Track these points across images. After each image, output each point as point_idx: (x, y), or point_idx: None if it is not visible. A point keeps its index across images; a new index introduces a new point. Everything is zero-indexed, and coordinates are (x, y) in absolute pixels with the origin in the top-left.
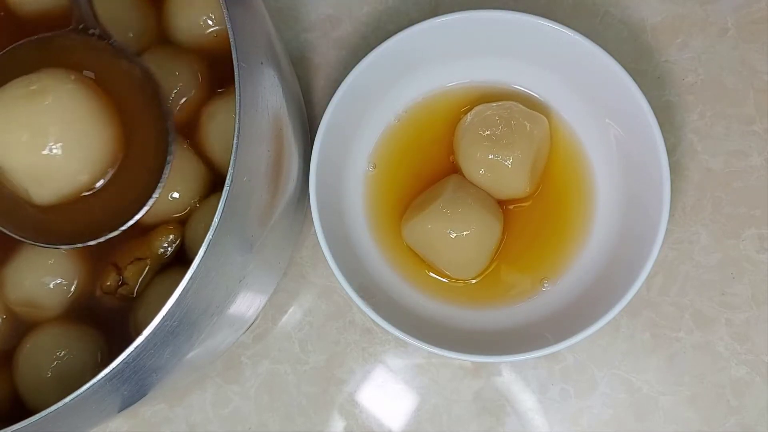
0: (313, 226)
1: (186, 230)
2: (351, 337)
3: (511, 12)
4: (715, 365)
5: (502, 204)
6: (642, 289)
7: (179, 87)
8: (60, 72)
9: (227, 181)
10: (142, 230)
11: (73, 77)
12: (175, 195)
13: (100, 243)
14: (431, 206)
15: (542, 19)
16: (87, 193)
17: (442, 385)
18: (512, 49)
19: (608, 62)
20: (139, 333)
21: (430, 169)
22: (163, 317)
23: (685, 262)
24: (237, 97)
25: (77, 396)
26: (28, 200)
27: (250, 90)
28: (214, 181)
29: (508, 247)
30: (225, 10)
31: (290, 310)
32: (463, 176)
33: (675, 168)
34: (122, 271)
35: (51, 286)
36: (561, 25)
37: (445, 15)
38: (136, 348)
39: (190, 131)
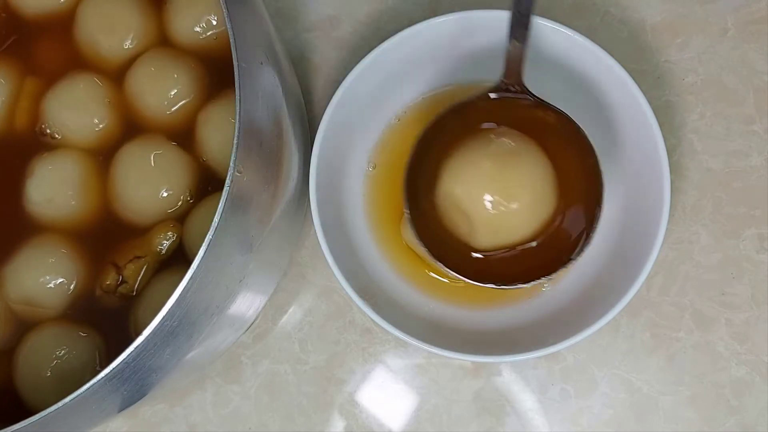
0: (313, 226)
1: (185, 229)
2: (351, 337)
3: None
4: (715, 365)
5: None
6: (642, 289)
7: (178, 89)
8: (521, 134)
9: (227, 181)
10: (140, 230)
11: (532, 140)
12: (165, 194)
13: (97, 242)
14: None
15: (542, 19)
16: (523, 247)
17: (442, 385)
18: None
19: (608, 62)
20: (138, 333)
21: None
22: (163, 317)
23: (685, 262)
24: (237, 97)
25: (77, 396)
26: (468, 244)
27: (250, 90)
28: (211, 179)
29: None
30: (225, 10)
31: (290, 310)
32: None
33: (675, 168)
34: (121, 269)
35: (51, 285)
36: (561, 25)
37: (445, 15)
38: (136, 348)
39: (188, 132)
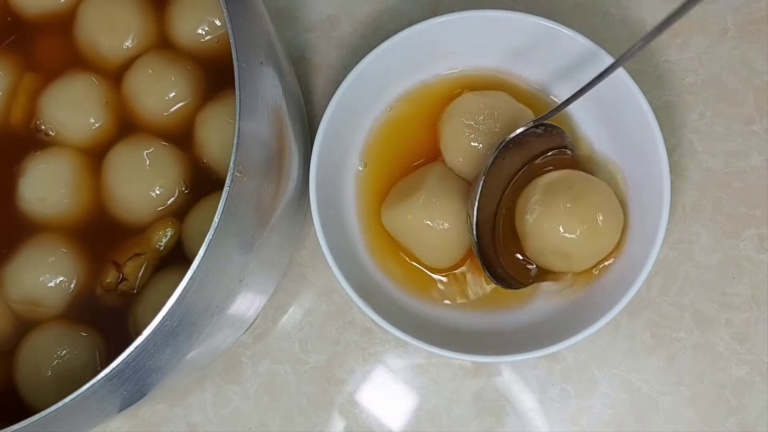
0: (313, 226)
1: (184, 229)
2: (351, 337)
3: (511, 12)
4: (715, 365)
5: None
6: (642, 289)
7: (175, 92)
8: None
9: (227, 182)
10: (137, 228)
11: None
12: (157, 190)
13: (96, 241)
14: (413, 196)
15: (542, 19)
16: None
17: (442, 385)
18: (512, 49)
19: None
20: (138, 332)
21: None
22: (163, 317)
23: (685, 262)
24: (237, 96)
25: (77, 396)
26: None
27: (250, 90)
28: (211, 179)
29: None
30: (225, 10)
31: (290, 310)
32: (447, 166)
33: (675, 168)
34: (121, 267)
35: (51, 284)
36: (561, 25)
37: (445, 15)
38: (136, 348)
39: (186, 133)
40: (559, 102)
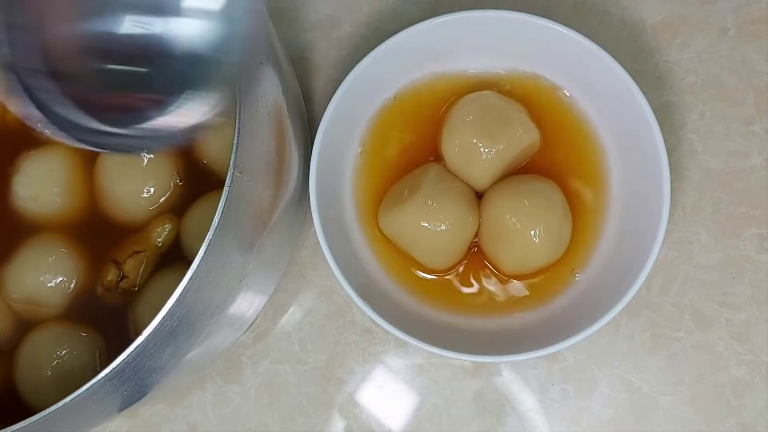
0: (313, 226)
1: (184, 228)
2: (351, 337)
3: (511, 12)
4: (715, 365)
5: None
6: (642, 289)
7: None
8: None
9: (227, 181)
10: (134, 226)
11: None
12: (152, 188)
13: (95, 241)
14: (409, 200)
15: (542, 19)
16: None
17: (442, 385)
18: (512, 49)
19: (608, 62)
20: (138, 332)
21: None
22: (163, 317)
23: (685, 262)
24: (237, 96)
25: (77, 396)
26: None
27: (250, 90)
28: (211, 180)
29: None
30: None
31: (290, 310)
32: (443, 166)
33: (675, 168)
34: (121, 265)
35: (52, 284)
36: (561, 25)
37: (445, 15)
38: (135, 348)
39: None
40: (567, 97)
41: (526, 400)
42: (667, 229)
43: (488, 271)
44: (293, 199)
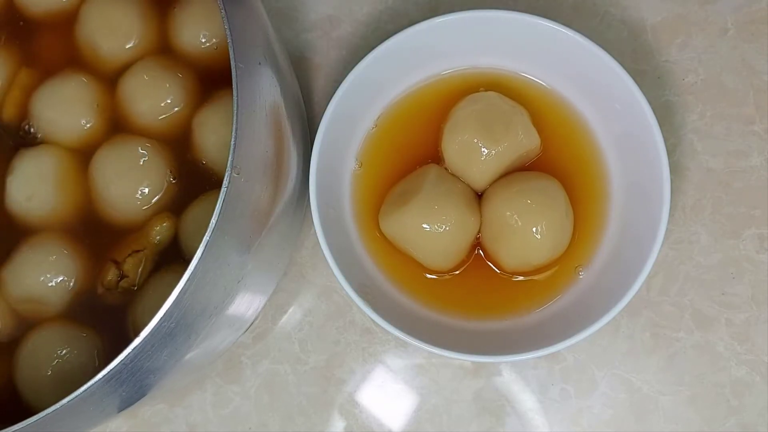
0: (313, 226)
1: (182, 229)
2: (351, 337)
3: (510, 12)
4: (715, 365)
5: None
6: (642, 289)
7: (170, 99)
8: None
9: (225, 182)
10: (131, 226)
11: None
12: (145, 190)
13: (95, 240)
14: (410, 203)
15: (542, 19)
16: None
17: (442, 385)
18: (512, 49)
19: (608, 62)
20: (137, 332)
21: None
22: (161, 319)
23: (685, 262)
24: (234, 97)
25: (77, 396)
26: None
27: (248, 90)
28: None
29: None
30: (222, 10)
31: (290, 310)
32: (443, 167)
33: (675, 168)
34: (121, 265)
35: (52, 283)
36: (561, 25)
37: (445, 15)
38: (133, 350)
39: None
40: (567, 97)
41: (526, 400)
42: (667, 229)
43: (490, 271)
44: (292, 200)
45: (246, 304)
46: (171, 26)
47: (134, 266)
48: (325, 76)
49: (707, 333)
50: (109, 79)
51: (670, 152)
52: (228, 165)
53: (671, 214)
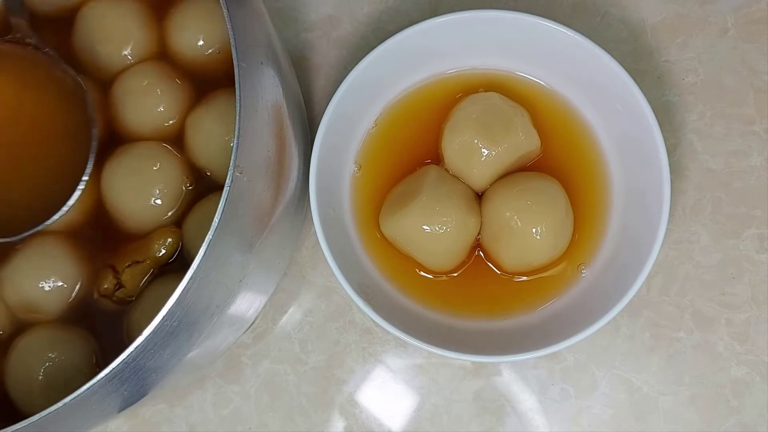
0: (313, 226)
1: (184, 228)
2: (351, 337)
3: (511, 12)
4: (715, 365)
5: None
6: (642, 289)
7: (163, 107)
8: None
9: (227, 182)
10: (138, 233)
11: None
12: (158, 200)
13: (97, 246)
14: (410, 204)
15: (542, 19)
16: None
17: (442, 385)
18: (512, 49)
19: (608, 62)
20: (131, 338)
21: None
22: (163, 317)
23: (685, 262)
24: (237, 97)
25: (77, 396)
26: None
27: (250, 90)
28: (210, 181)
29: None
30: (225, 10)
31: (290, 310)
32: (443, 168)
33: (675, 168)
34: (119, 274)
35: (49, 287)
36: (561, 25)
37: (445, 15)
38: (135, 348)
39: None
40: (567, 97)
41: (526, 400)
42: (667, 229)
43: (490, 271)
44: (293, 199)
45: (247, 304)
46: (169, 31)
47: (133, 277)
48: (325, 76)
49: (707, 333)
50: (106, 85)
51: (670, 152)
52: (231, 164)
53: (671, 214)
